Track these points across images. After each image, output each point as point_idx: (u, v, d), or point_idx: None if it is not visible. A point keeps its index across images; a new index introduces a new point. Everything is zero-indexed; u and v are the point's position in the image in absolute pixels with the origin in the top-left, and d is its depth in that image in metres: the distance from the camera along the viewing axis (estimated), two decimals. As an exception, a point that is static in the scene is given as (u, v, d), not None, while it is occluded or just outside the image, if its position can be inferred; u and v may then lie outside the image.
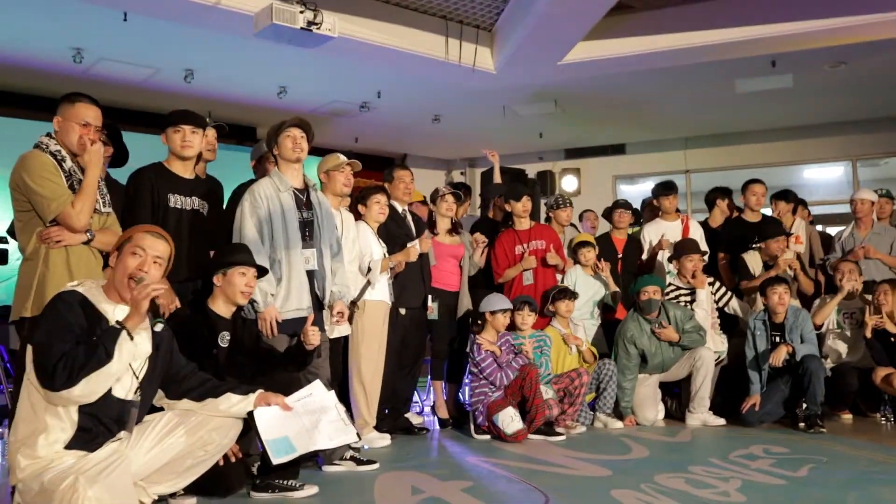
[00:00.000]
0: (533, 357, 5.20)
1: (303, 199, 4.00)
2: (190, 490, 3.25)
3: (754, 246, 5.99)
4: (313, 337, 3.57)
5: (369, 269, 4.69)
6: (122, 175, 4.04)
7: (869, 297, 5.65)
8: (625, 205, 6.39)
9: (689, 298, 5.79)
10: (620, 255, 6.19)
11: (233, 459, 3.21)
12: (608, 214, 6.53)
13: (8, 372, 5.17)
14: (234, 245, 3.74)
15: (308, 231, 3.97)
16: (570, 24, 6.34)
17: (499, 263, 5.77)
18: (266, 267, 3.72)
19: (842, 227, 6.49)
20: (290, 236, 3.89)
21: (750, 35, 6.70)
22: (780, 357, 5.23)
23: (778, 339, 5.40)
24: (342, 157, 4.61)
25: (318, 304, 4.01)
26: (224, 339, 3.46)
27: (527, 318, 5.31)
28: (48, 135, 3.35)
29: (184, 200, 3.82)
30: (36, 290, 3.16)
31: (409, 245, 4.98)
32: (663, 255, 6.13)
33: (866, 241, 6.06)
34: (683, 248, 5.86)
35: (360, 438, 4.23)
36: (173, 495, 3.23)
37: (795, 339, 5.34)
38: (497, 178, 6.84)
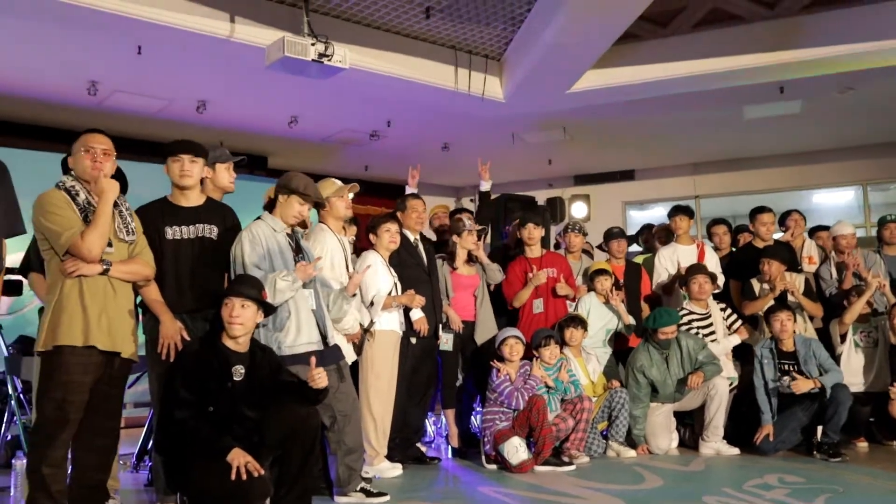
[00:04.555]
0: (555, 384, 5.19)
1: (293, 243, 3.98)
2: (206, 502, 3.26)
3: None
4: (320, 380, 3.50)
5: (372, 303, 4.68)
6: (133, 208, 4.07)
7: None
8: (620, 233, 6.40)
9: (702, 324, 5.77)
10: (623, 283, 6.18)
11: (255, 474, 3.18)
12: (605, 243, 6.51)
13: (21, 402, 5.19)
14: (242, 276, 3.66)
15: None
16: (578, 53, 6.40)
17: (510, 287, 5.77)
18: (264, 301, 3.65)
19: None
20: None
21: (758, 62, 6.73)
22: (802, 388, 5.18)
23: (788, 367, 5.36)
24: (339, 183, 4.57)
25: (323, 340, 3.95)
26: (238, 372, 3.41)
27: (554, 350, 5.29)
28: (67, 172, 3.39)
29: (184, 230, 3.78)
30: (49, 324, 3.18)
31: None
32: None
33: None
34: (689, 271, 5.89)
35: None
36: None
37: (812, 371, 5.29)
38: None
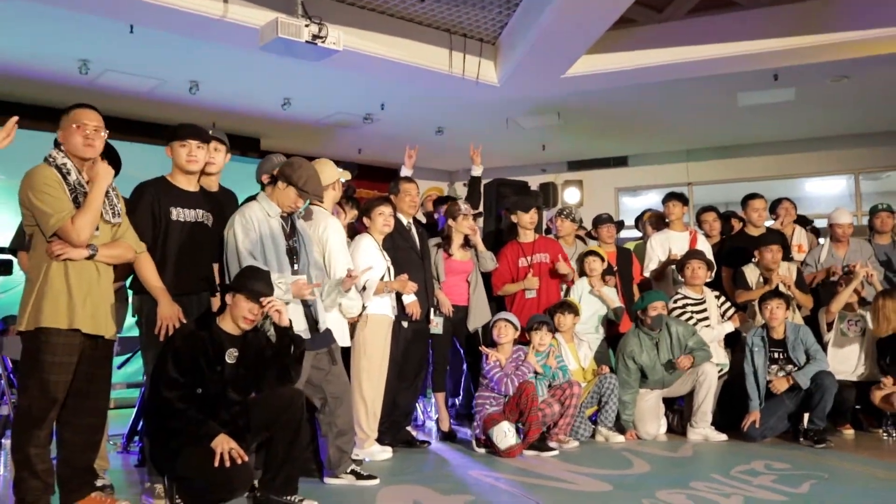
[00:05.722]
0: (543, 370, 5.20)
1: (287, 227, 3.95)
2: (189, 492, 3.26)
3: (754, 260, 5.99)
4: (270, 307, 3.49)
5: (364, 288, 4.68)
6: (125, 188, 4.05)
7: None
8: (609, 219, 6.41)
9: (696, 309, 5.79)
10: (615, 268, 6.20)
11: (239, 461, 3.19)
12: (594, 229, 6.52)
13: (11, 382, 5.18)
14: (255, 269, 3.58)
15: (295, 258, 3.92)
16: (573, 37, 6.38)
17: (500, 276, 5.76)
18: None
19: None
20: (280, 261, 3.83)
21: (752, 49, 6.74)
22: (780, 387, 5.24)
23: (777, 355, 5.40)
24: (339, 169, 4.58)
25: (314, 326, 3.97)
26: (231, 355, 3.41)
27: (545, 337, 5.29)
28: (58, 147, 3.33)
29: (187, 213, 3.81)
30: (33, 305, 3.15)
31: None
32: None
33: (846, 259, 6.05)
34: (687, 256, 5.92)
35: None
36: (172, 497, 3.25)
37: (800, 357, 5.33)
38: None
